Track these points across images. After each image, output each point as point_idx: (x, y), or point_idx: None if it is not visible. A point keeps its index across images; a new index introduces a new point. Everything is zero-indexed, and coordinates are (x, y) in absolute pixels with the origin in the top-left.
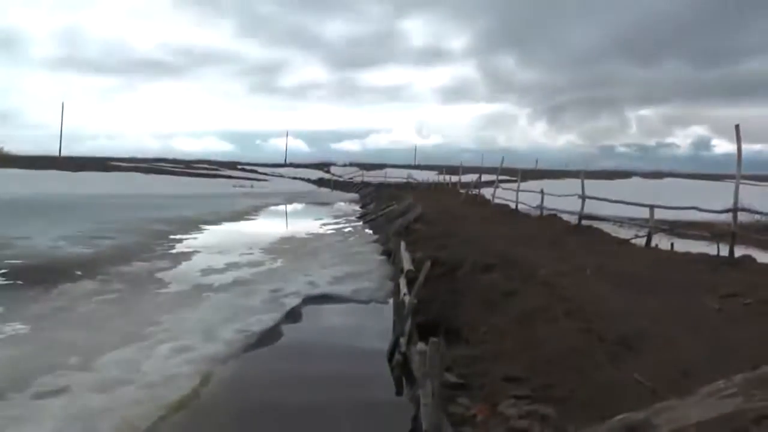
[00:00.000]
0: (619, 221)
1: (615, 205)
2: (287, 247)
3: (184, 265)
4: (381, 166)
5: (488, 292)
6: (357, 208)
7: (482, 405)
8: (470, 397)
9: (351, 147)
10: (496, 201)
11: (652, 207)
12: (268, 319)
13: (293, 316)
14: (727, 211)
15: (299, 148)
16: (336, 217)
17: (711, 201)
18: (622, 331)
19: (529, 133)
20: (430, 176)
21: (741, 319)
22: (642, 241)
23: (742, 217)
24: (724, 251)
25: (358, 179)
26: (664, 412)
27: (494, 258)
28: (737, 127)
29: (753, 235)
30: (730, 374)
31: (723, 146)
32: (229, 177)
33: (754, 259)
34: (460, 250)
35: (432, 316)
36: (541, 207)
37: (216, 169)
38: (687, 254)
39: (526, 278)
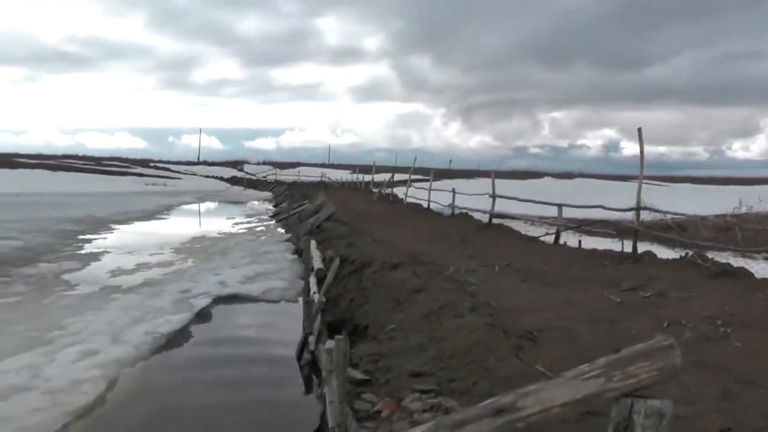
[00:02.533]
0: (529, 219)
1: (525, 204)
2: (198, 247)
3: (92, 266)
4: (295, 165)
5: (396, 289)
6: (270, 206)
7: (387, 400)
8: (376, 393)
9: (265, 145)
10: (409, 200)
11: (560, 206)
12: (177, 320)
13: (203, 316)
14: (630, 209)
15: (213, 145)
16: (248, 216)
17: (618, 200)
18: (527, 324)
19: (443, 133)
20: (344, 175)
21: (639, 311)
22: (551, 239)
23: (645, 215)
24: (629, 248)
25: (272, 178)
26: (531, 395)
27: (404, 256)
28: (640, 130)
29: (655, 232)
30: None
31: (632, 148)
32: (141, 175)
33: (654, 255)
34: (371, 248)
35: (341, 314)
36: (452, 206)
37: (127, 167)
38: (593, 251)
39: (434, 275)
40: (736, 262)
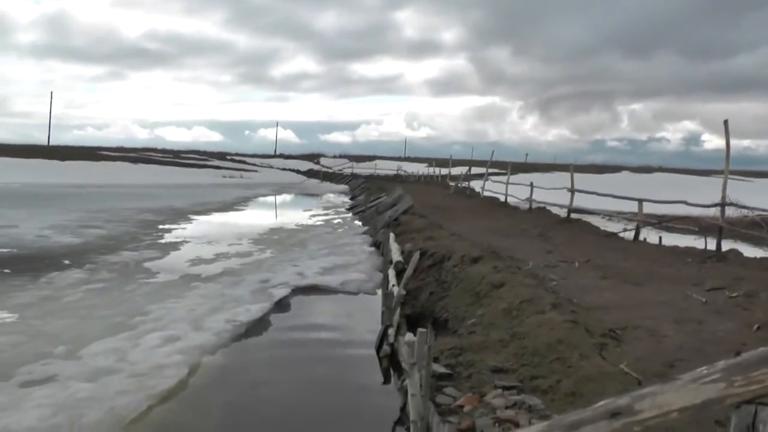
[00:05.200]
0: (608, 215)
1: (604, 198)
2: (276, 238)
3: (172, 255)
4: (371, 158)
5: (476, 283)
6: (346, 199)
7: (469, 395)
8: (457, 388)
9: (341, 138)
10: (486, 194)
11: (640, 201)
12: (256, 309)
13: (282, 306)
14: (714, 205)
15: (289, 138)
16: (325, 208)
17: (699, 196)
18: (610, 322)
19: (520, 126)
20: (420, 168)
21: (726, 312)
22: (630, 235)
23: (730, 211)
24: (712, 245)
25: (348, 171)
26: (648, 398)
27: (483, 250)
28: (726, 122)
29: (740, 229)
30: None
31: (713, 141)
32: (218, 167)
33: (740, 253)
34: (449, 241)
35: (420, 308)
36: (530, 200)
37: (205, 160)
38: (675, 248)
39: (514, 270)
40: None
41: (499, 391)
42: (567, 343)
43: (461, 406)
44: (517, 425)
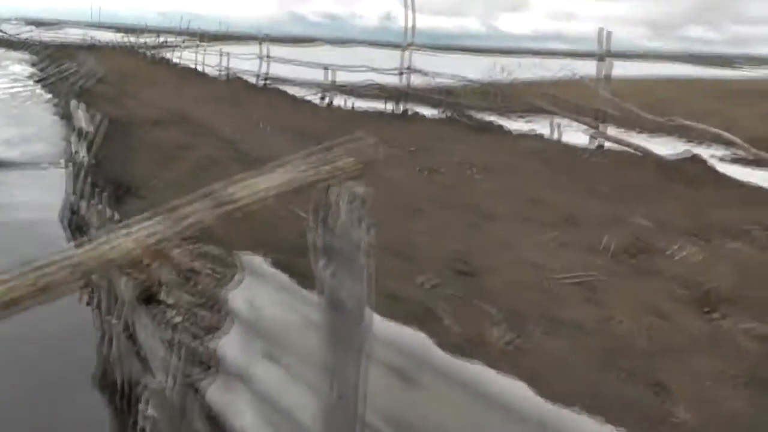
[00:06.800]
0: (302, 83)
1: (301, 69)
2: None
3: None
4: (58, 24)
5: (165, 147)
6: (31, 69)
7: (153, 251)
8: None
9: (23, 2)
10: (181, 63)
11: (330, 68)
12: None
13: None
14: (400, 72)
15: None
16: (11, 80)
17: (390, 66)
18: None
19: None
20: (113, 37)
21: (402, 161)
22: (324, 102)
23: (415, 79)
24: (397, 108)
25: (28, 36)
26: (240, 184)
27: (173, 116)
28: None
29: (422, 93)
30: (385, 202)
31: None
32: None
33: (420, 114)
34: (140, 109)
35: (108, 175)
36: (226, 69)
37: None
38: (365, 112)
39: (203, 134)
40: (496, 121)
41: (183, 244)
42: None
43: (147, 264)
44: (198, 273)
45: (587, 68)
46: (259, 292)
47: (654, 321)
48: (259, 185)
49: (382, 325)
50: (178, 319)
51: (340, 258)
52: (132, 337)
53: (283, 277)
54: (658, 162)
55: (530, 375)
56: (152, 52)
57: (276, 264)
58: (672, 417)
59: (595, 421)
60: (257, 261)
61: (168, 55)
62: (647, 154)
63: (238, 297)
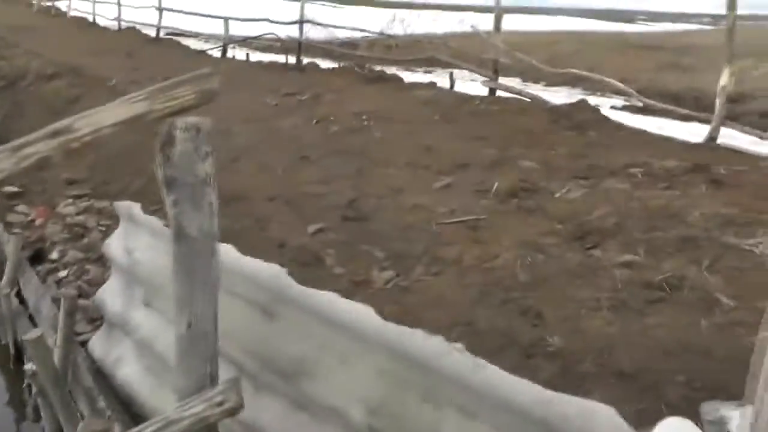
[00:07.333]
0: (200, 35)
1: (197, 20)
2: None
3: None
4: None
5: (52, 100)
6: None
7: (41, 208)
8: (29, 204)
9: None
10: (73, 13)
11: (226, 19)
12: None
13: None
14: (295, 22)
15: None
16: None
17: (285, 17)
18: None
19: None
20: None
21: (294, 111)
22: (219, 53)
23: (315, 32)
24: (294, 60)
25: None
26: (85, 118)
27: (61, 68)
28: None
29: (317, 44)
30: (276, 151)
31: None
32: None
33: (317, 65)
34: (26, 61)
35: None
36: (119, 19)
37: None
38: (259, 62)
39: (93, 86)
40: (391, 71)
41: (71, 200)
42: (142, 148)
43: (33, 221)
44: (86, 228)
45: (486, 22)
46: (134, 238)
47: (533, 256)
48: (103, 119)
49: (242, 260)
50: (63, 273)
51: (181, 188)
52: (20, 297)
53: (157, 222)
54: (549, 109)
55: (411, 311)
56: (41, 1)
57: (155, 211)
58: (546, 345)
59: (448, 343)
60: (133, 208)
61: (59, 5)
62: (538, 101)
63: (114, 244)
